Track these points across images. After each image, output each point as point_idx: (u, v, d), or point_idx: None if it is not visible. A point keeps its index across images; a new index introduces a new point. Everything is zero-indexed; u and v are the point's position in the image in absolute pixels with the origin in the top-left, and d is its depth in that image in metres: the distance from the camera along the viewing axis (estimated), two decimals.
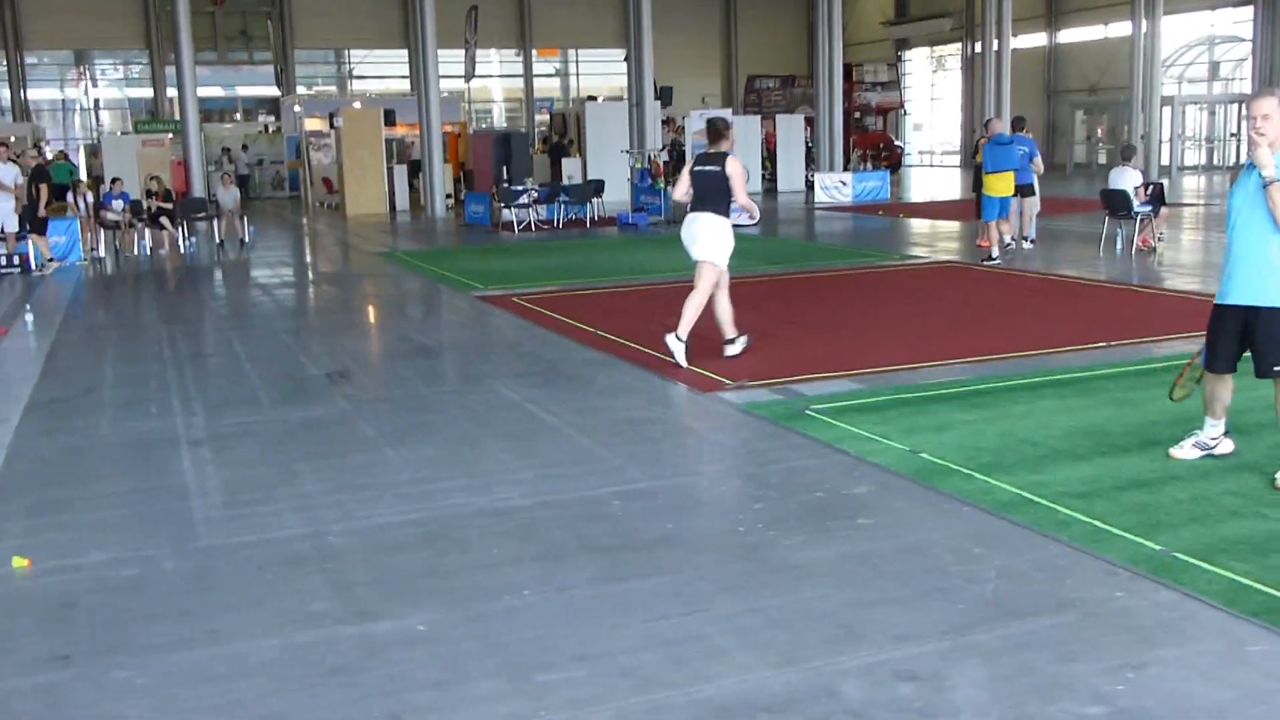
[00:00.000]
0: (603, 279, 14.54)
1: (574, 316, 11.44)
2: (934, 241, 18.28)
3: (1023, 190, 16.26)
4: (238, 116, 47.12)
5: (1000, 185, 15.06)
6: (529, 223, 22.67)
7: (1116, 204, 15.53)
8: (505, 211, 22.63)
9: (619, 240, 20.25)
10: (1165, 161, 37.65)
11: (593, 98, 39.35)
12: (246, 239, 21.70)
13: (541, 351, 9.89)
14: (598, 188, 24.29)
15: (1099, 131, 39.12)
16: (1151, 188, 15.42)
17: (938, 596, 4.47)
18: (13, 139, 21.13)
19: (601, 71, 53.26)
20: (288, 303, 13.79)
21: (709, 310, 9.08)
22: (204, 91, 48.64)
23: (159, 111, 44.96)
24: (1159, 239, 15.58)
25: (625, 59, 51.69)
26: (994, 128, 15.82)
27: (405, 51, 48.67)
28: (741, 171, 9.00)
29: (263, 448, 6.98)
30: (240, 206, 21.91)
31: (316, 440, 7.13)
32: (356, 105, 31.75)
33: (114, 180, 20.78)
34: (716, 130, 9.05)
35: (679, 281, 13.83)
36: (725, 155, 8.94)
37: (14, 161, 16.81)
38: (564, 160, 30.99)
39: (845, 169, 33.79)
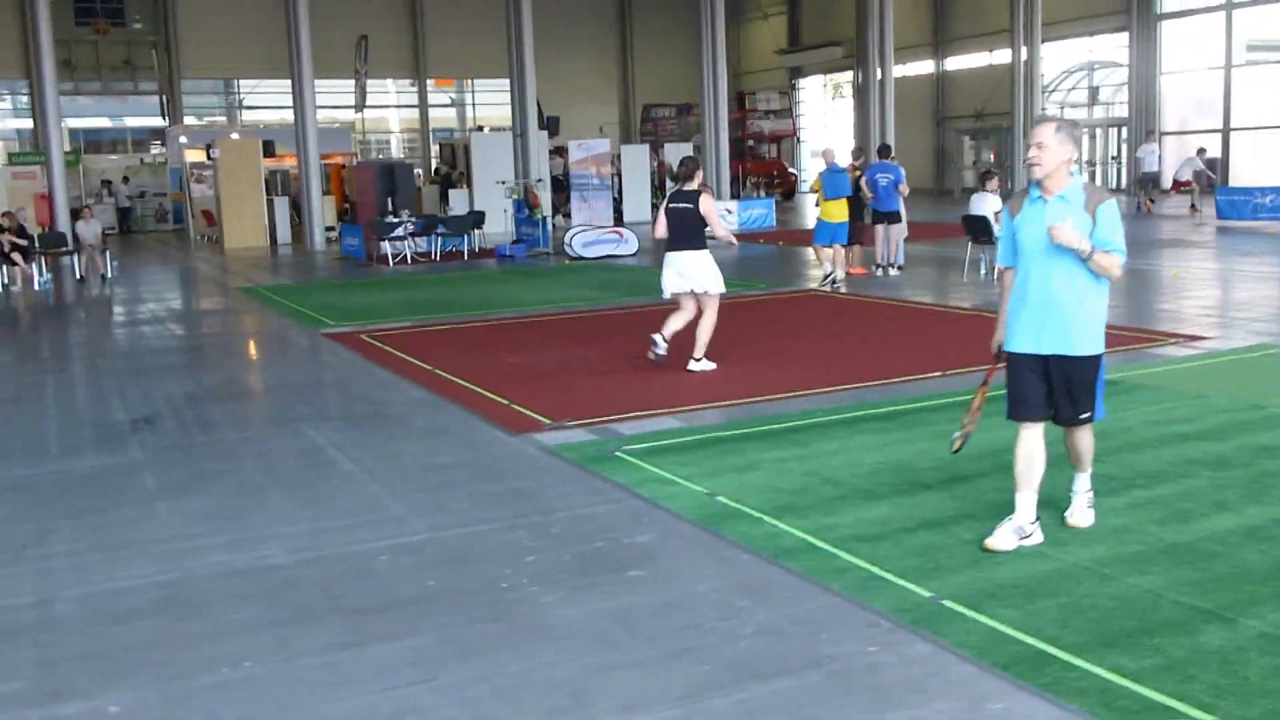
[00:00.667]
0: (464, 313, 14.19)
1: (419, 354, 11.07)
2: (805, 270, 18.21)
3: (889, 217, 16.30)
4: (127, 148, 45.90)
5: (836, 211, 15.33)
6: (405, 255, 22.22)
7: (977, 229, 15.59)
8: (382, 244, 22.15)
9: (493, 273, 19.91)
10: None
11: (480, 128, 39.02)
12: (109, 274, 20.94)
13: (370, 392, 9.51)
14: (477, 219, 23.92)
15: (991, 156, 39.73)
16: None
17: (686, 657, 4.20)
18: None
19: (500, 101, 52.81)
20: (122, 343, 13.20)
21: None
22: (89, 123, 47.73)
23: (39, 143, 43.58)
24: None
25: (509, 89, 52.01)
26: (828, 157, 15.83)
27: (289, 81, 47.98)
28: (713, 206, 9.74)
29: (23, 503, 6.50)
30: (102, 241, 21.13)
31: (89, 494, 6.67)
32: (234, 136, 30.99)
33: None
34: (688, 169, 9.76)
35: (540, 315, 13.61)
36: (698, 192, 9.64)
37: None
38: (450, 191, 30.61)
39: (736, 197, 33.92)
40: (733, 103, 45.97)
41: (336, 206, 30.74)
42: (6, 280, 19.01)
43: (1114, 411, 7.46)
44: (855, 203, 16.72)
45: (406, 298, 16.45)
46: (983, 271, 15.60)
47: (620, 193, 32.10)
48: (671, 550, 5.35)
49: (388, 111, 53.15)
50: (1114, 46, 36.83)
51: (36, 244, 20.68)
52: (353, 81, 41.60)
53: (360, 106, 42.26)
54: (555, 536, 5.60)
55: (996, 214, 15.31)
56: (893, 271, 16.40)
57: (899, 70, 44.17)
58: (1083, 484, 5.47)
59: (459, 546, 5.54)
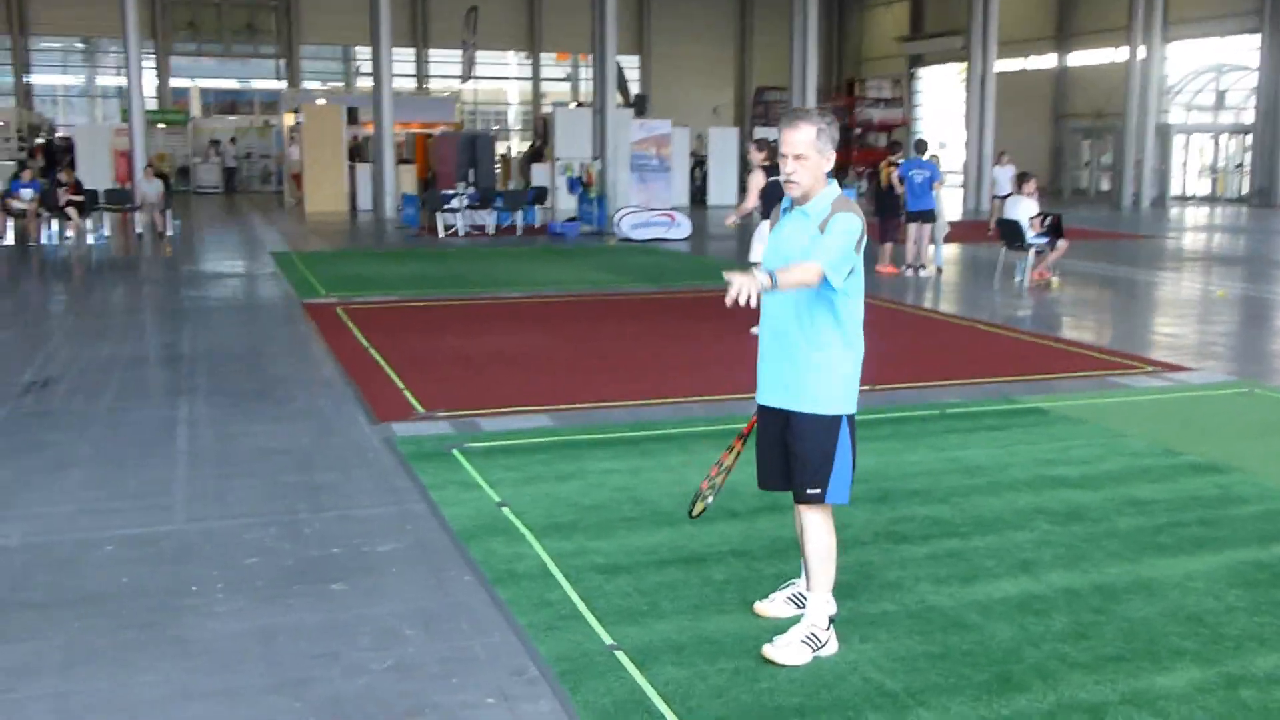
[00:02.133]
0: (464, 290, 13.95)
1: (372, 330, 10.88)
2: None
3: (922, 216, 15.47)
4: (253, 110, 46.98)
5: None
6: (456, 228, 22.14)
7: (1010, 235, 14.68)
8: (435, 216, 22.12)
9: (531, 250, 19.61)
10: (1176, 191, 36.45)
11: (580, 103, 38.80)
12: (169, 232, 21.38)
13: (282, 367, 9.32)
14: (539, 195, 23.71)
15: (1101, 157, 37.89)
16: (1048, 219, 14.54)
17: (288, 691, 3.83)
18: None
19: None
20: (107, 301, 13.35)
21: None
22: (211, 83, 49.12)
23: (163, 101, 45.05)
24: (1057, 273, 14.71)
25: (626, 64, 51.61)
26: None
27: (413, 50, 48.60)
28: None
29: None
30: (164, 199, 21.56)
31: None
32: (320, 101, 31.40)
33: (23, 168, 20.55)
34: (772, 149, 10.16)
35: (537, 296, 13.26)
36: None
37: None
38: (534, 166, 30.51)
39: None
40: (843, 89, 44.91)
41: (419, 176, 30.85)
42: (62, 233, 19.51)
43: (1011, 445, 6.87)
44: (890, 199, 15.97)
45: (423, 271, 16.29)
46: (1018, 278, 14.66)
47: (705, 175, 31.64)
48: (400, 564, 4.96)
49: (506, 83, 53.47)
50: (1247, 48, 34.61)
51: (101, 199, 21.21)
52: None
53: (466, 77, 42.47)
54: (303, 538, 5.28)
55: (1032, 219, 14.44)
56: (923, 272, 15.57)
57: (1018, 63, 42.60)
58: (812, 607, 4.10)
59: (191, 541, 5.25)
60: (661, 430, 7.26)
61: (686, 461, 6.53)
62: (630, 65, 51.89)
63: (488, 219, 22.78)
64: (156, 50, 45.30)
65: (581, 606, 4.49)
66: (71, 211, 19.34)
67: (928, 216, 15.47)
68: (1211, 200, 36.18)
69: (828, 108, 27.10)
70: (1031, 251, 14.48)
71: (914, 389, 8.58)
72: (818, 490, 4.03)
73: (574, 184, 23.49)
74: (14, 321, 11.93)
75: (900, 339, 10.88)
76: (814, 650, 4.02)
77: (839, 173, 38.95)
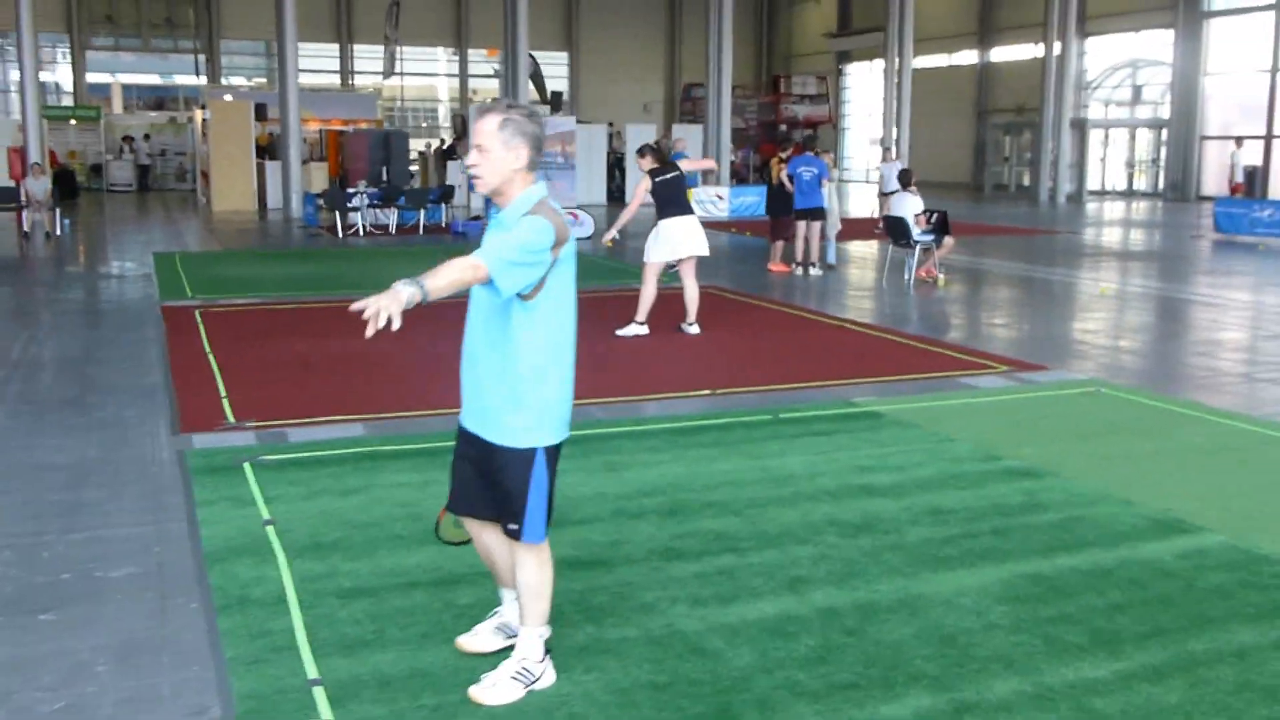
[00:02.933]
0: (341, 292, 13.45)
1: (218, 333, 10.51)
2: (735, 263, 17.22)
3: (811, 214, 15.29)
4: (177, 106, 45.96)
5: None
6: (357, 227, 21.71)
7: (896, 232, 14.55)
8: (334, 214, 21.66)
9: (425, 249, 19.19)
10: (1094, 186, 36.72)
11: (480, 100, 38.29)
12: (58, 232, 20.75)
13: (103, 375, 8.88)
14: (446, 193, 23.32)
15: (1022, 153, 38.12)
16: (934, 215, 14.43)
17: None
18: None
19: (547, 75, 52.24)
20: None
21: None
22: (133, 79, 48.07)
23: (79, 97, 44.03)
24: (943, 271, 14.61)
25: (567, 63, 51.30)
26: (678, 146, 15.45)
27: (337, 45, 47.90)
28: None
29: None
30: (51, 199, 20.91)
31: None
32: (227, 98, 30.76)
33: None
34: (656, 152, 10.86)
35: None
36: (675, 162, 11.15)
37: None
38: (450, 164, 30.06)
39: (758, 182, 32.77)
40: (768, 87, 44.91)
41: (331, 174, 30.30)
42: None
43: (832, 452, 6.66)
44: (780, 197, 15.79)
45: (304, 272, 15.88)
46: (907, 277, 14.51)
47: (624, 173, 31.41)
48: (128, 591, 4.63)
49: (437, 80, 52.85)
50: (1162, 44, 34.94)
51: None
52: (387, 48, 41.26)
53: (389, 73, 41.89)
54: (37, 563, 4.93)
55: (918, 216, 14.32)
56: (814, 270, 15.40)
57: (943, 59, 42.76)
58: (523, 641, 3.79)
59: None
60: None
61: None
62: (559, 62, 51.57)
63: (390, 218, 22.34)
64: (72, 44, 44.32)
65: (301, 636, 4.19)
66: None
67: (817, 214, 15.30)
68: (1128, 194, 36.51)
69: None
70: (917, 249, 14.36)
71: (756, 393, 8.35)
72: (515, 528, 3.70)
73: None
74: None
75: (763, 340, 10.68)
76: (526, 685, 3.74)
77: (763, 169, 39.04)
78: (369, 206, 22.31)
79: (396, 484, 6.06)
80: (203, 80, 45.00)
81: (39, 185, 20.84)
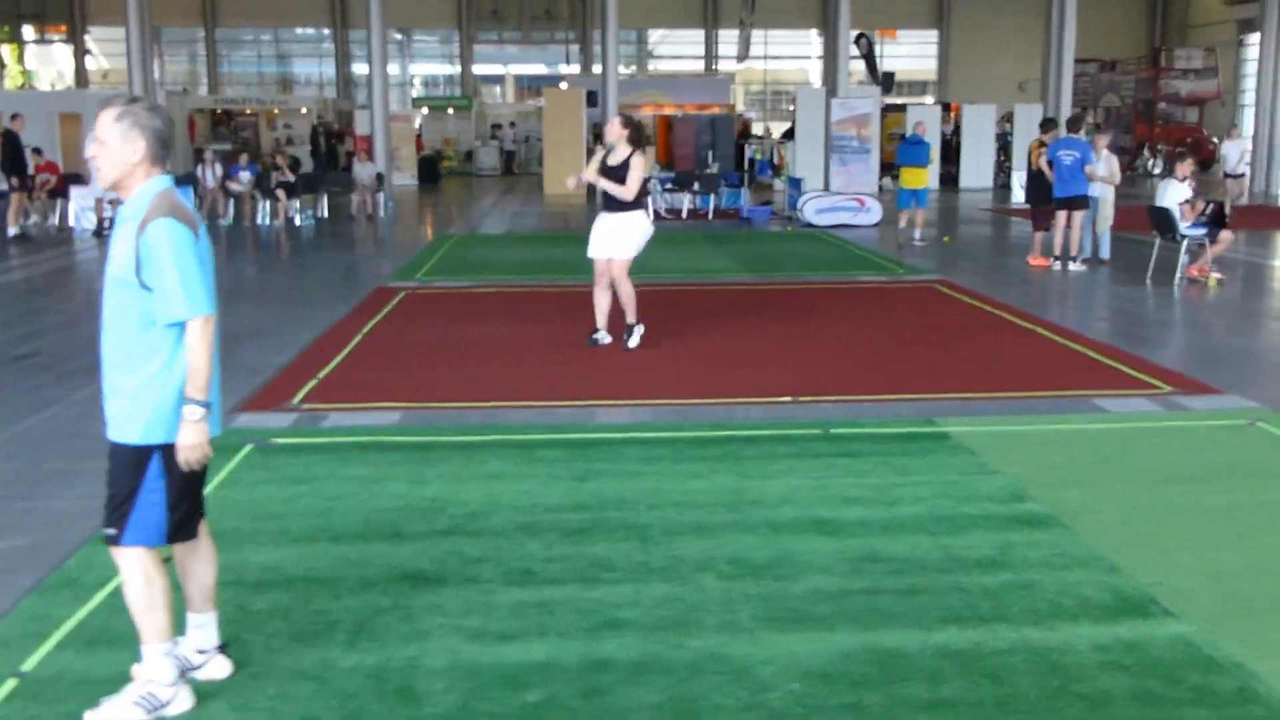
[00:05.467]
0: (562, 277, 13.61)
1: (408, 314, 11.02)
2: (999, 254, 15.70)
3: (1071, 203, 13.73)
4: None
5: (910, 179, 16.83)
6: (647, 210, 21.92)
7: (1161, 225, 12.75)
8: None
9: (690, 235, 18.95)
10: None
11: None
12: (381, 214, 22.50)
13: (246, 351, 9.41)
14: (745, 177, 23.06)
15: None
16: (1209, 206, 12.50)
17: None
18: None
19: (913, 54, 50.60)
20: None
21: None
22: (520, 69, 51.36)
23: (465, 88, 47.60)
24: (1216, 270, 12.64)
25: (937, 40, 49.25)
26: (921, 130, 15.90)
27: (702, 31, 48.67)
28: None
29: None
30: (376, 182, 22.69)
31: None
32: (563, 86, 32.00)
33: (240, 153, 22.23)
34: (633, 125, 9.16)
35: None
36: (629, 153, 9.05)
37: None
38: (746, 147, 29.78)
39: (1128, 169, 29.96)
40: (1149, 61, 40.89)
41: (659, 159, 30.86)
42: (270, 214, 20.94)
43: (838, 477, 5.93)
44: (1041, 183, 14.29)
45: (548, 256, 16.09)
46: (1178, 276, 12.68)
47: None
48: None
49: (805, 63, 52.50)
50: None
51: (323, 182, 22.61)
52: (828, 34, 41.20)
53: (743, 57, 42.02)
54: None
55: (1182, 204, 12.53)
56: (1073, 266, 13.81)
57: None
58: (144, 663, 3.59)
59: None
60: (492, 436, 6.78)
61: (453, 473, 6.05)
62: (927, 40, 49.69)
63: (683, 202, 22.40)
64: (461, 39, 47.93)
65: (68, 626, 4.21)
66: (280, 194, 20.75)
67: (1078, 203, 13.69)
68: None
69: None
70: (1184, 243, 12.51)
71: (837, 403, 7.57)
72: (113, 531, 3.52)
73: (763, 167, 22.69)
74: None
75: (919, 342, 9.65)
76: (150, 710, 3.54)
77: (1137, 151, 35.69)
78: (664, 191, 22.47)
79: (354, 476, 5.99)
80: (575, 69, 47.22)
81: (365, 171, 22.66)
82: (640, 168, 9.01)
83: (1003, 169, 29.76)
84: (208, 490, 5.59)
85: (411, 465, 6.19)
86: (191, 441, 3.44)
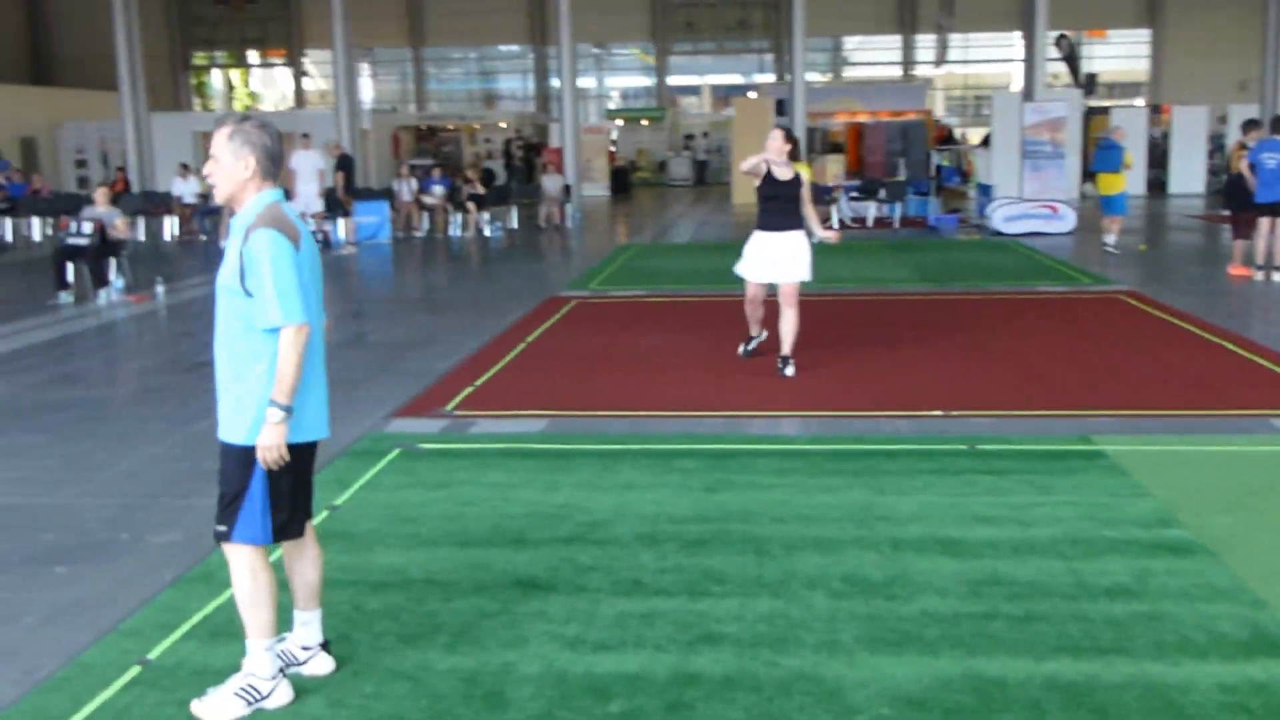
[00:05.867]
0: (723, 286, 13.62)
1: (574, 322, 11.25)
2: (1197, 263, 14.74)
3: (1275, 209, 12.86)
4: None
5: (1105, 184, 16.23)
6: (832, 221, 21.67)
7: None
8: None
9: (872, 244, 18.59)
10: None
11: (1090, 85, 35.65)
12: (567, 224, 22.98)
13: (422, 356, 9.74)
14: (934, 184, 22.51)
15: None
16: None
17: None
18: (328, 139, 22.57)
19: (1124, 54, 48.36)
20: (397, 289, 14.69)
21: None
22: (715, 79, 51.61)
23: (660, 99, 48.11)
24: None
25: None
26: (1117, 135, 15.51)
27: (899, 37, 47.74)
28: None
29: None
30: (563, 193, 23.17)
31: None
32: (752, 95, 31.92)
33: (434, 168, 23.03)
34: (787, 135, 8.79)
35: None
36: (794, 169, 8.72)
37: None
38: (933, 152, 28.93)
39: None
40: None
41: (850, 165, 30.44)
42: (463, 225, 21.66)
43: (978, 495, 5.76)
44: (1242, 188, 13.43)
45: (721, 265, 16.07)
46: None
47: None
48: (143, 555, 5.20)
49: (1012, 66, 50.79)
50: None
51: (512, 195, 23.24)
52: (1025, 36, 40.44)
53: (940, 61, 41.05)
54: (104, 521, 5.67)
55: None
56: (1276, 276, 12.92)
57: None
58: (248, 657, 3.75)
59: None
60: (631, 444, 6.83)
61: (587, 481, 6.12)
62: (1139, 39, 47.36)
63: (869, 210, 22.03)
64: (656, 50, 48.45)
65: (198, 618, 4.47)
66: (470, 206, 21.44)
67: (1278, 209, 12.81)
68: None
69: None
70: None
71: (992, 418, 7.30)
72: (223, 528, 3.71)
73: (950, 173, 22.03)
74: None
75: (1098, 355, 9.19)
76: (251, 703, 3.71)
77: None
78: (850, 199, 22.16)
79: (491, 482, 6.13)
80: (771, 78, 47.08)
81: (552, 183, 23.18)
82: (808, 184, 8.79)
83: (1215, 173, 28.12)
84: (348, 494, 5.93)
85: (548, 473, 6.29)
86: (268, 443, 3.57)
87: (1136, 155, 29.06)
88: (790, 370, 8.65)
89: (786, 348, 8.73)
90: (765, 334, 9.31)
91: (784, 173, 8.63)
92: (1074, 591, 4.53)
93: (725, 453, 6.63)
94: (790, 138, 8.76)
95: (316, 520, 5.56)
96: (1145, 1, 46.51)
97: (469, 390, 8.40)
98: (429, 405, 7.95)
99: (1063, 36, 33.41)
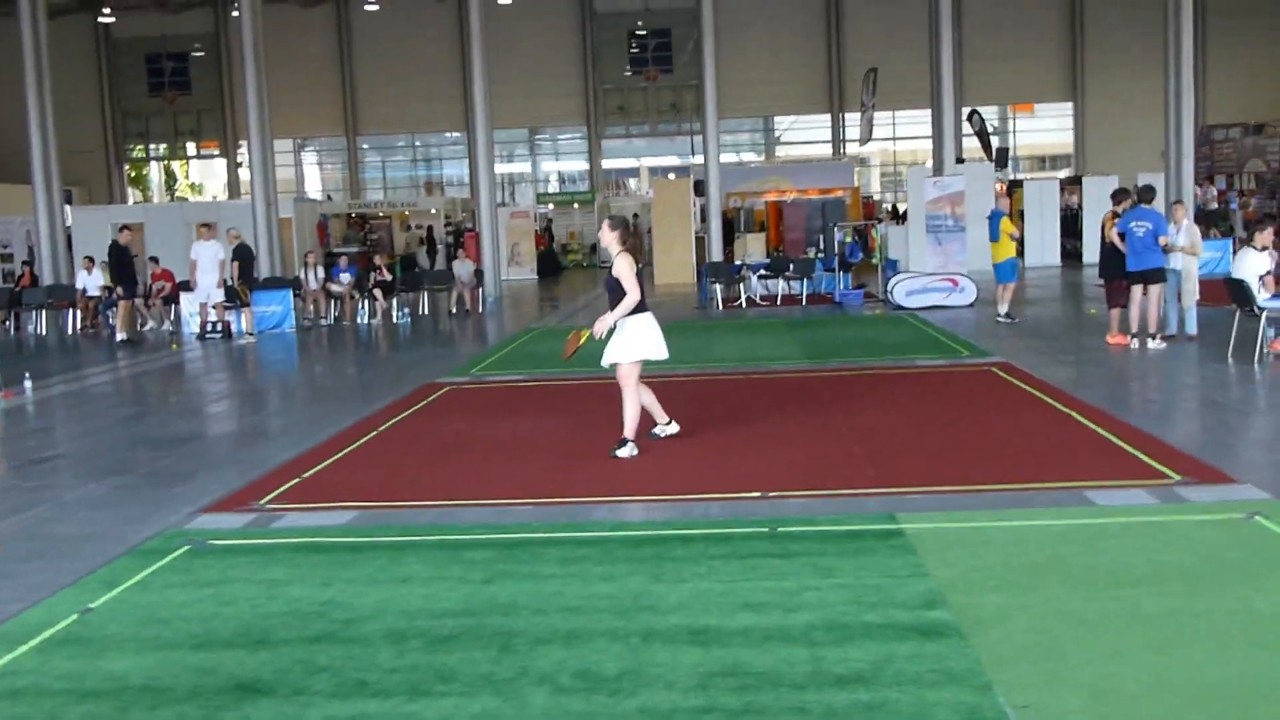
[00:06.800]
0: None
1: (436, 412, 11.06)
2: (1077, 332, 14.78)
3: (1146, 277, 12.97)
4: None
5: (994, 253, 16.74)
6: (740, 300, 21.75)
7: (1239, 297, 11.89)
8: (714, 287, 21.90)
9: (768, 322, 18.59)
10: None
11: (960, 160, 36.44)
12: (480, 309, 22.88)
13: (259, 446, 9.57)
14: (842, 262, 22.65)
15: None
16: None
17: None
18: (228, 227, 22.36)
19: (1050, 128, 49.44)
20: (266, 378, 14.47)
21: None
22: (651, 162, 52.17)
23: (593, 182, 48.51)
24: None
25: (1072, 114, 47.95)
26: (1001, 203, 16.00)
27: (828, 116, 48.52)
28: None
29: None
30: (475, 279, 23.11)
31: None
32: (670, 176, 32.22)
33: (341, 255, 22.97)
34: (626, 228, 8.75)
35: (679, 376, 12.56)
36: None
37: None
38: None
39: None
40: None
41: (772, 243, 30.65)
42: (370, 313, 21.51)
43: (741, 580, 5.66)
44: (1114, 257, 13.55)
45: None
46: (1259, 352, 11.75)
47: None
48: None
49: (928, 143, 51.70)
50: None
51: (423, 281, 23.14)
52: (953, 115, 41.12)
53: (865, 140, 41.66)
54: None
55: (1263, 277, 11.71)
56: (1152, 344, 12.98)
57: None
58: None
59: None
60: (427, 535, 6.64)
61: (366, 575, 5.92)
62: (1063, 113, 48.42)
63: (777, 288, 22.12)
64: (589, 135, 48.95)
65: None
66: (377, 293, 21.32)
67: (1153, 276, 12.91)
68: None
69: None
70: (1264, 317, 11.63)
71: (807, 498, 7.18)
72: None
73: (853, 250, 22.19)
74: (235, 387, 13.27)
75: (937, 433, 9.13)
76: None
77: None
78: (759, 277, 22.26)
79: (266, 579, 5.92)
80: (699, 160, 47.62)
81: (464, 268, 23.12)
82: (628, 270, 8.40)
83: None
84: (110, 595, 5.70)
85: (330, 568, 6.09)
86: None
87: (1048, 225, 29.65)
88: (622, 452, 8.49)
89: (628, 428, 8.66)
90: (675, 426, 9.16)
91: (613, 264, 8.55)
92: (805, 681, 4.38)
93: (518, 542, 6.45)
94: (617, 225, 8.64)
95: (64, 623, 5.35)
96: (1068, 75, 47.67)
97: (294, 482, 8.19)
98: (245, 499, 7.73)
99: (974, 112, 34.04)
